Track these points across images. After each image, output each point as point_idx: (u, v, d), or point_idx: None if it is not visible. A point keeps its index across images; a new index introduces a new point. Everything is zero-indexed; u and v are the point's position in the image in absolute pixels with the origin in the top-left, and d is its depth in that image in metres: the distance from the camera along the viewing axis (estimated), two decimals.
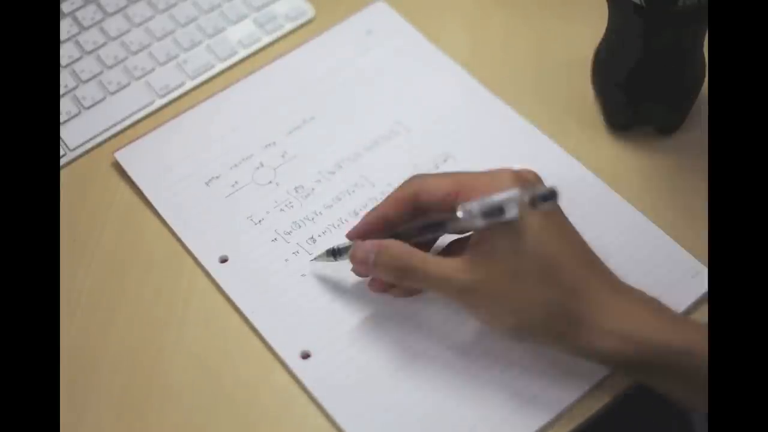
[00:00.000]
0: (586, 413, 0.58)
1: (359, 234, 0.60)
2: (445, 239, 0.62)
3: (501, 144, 0.69)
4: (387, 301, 0.62)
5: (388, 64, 0.74)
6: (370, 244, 0.58)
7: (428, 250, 0.61)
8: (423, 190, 0.59)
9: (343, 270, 0.63)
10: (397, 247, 0.58)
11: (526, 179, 0.56)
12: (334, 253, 0.61)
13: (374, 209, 0.61)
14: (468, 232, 0.59)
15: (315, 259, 0.63)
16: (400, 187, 0.60)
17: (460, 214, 0.55)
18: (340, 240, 0.63)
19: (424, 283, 0.57)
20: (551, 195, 0.53)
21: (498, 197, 0.54)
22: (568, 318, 0.54)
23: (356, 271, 0.62)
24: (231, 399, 0.60)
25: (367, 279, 0.62)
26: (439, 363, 0.60)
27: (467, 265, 0.55)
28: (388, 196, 0.60)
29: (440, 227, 0.58)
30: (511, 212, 0.53)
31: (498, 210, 0.53)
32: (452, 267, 0.56)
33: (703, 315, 0.61)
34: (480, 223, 0.54)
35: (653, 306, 0.56)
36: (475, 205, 0.54)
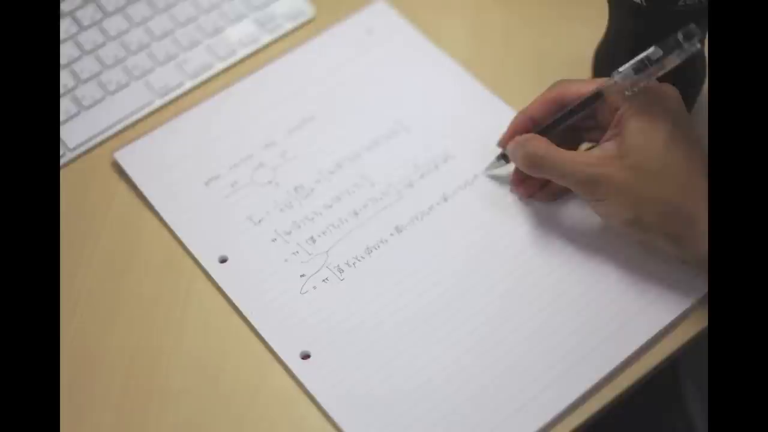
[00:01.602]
0: (588, 413, 0.58)
1: (509, 137, 0.64)
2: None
3: None
4: (386, 302, 0.62)
5: (388, 64, 0.74)
6: (514, 141, 0.63)
7: None
8: (569, 90, 0.62)
9: (344, 270, 0.63)
10: (535, 139, 0.62)
11: (664, 86, 0.60)
12: (504, 157, 0.66)
13: (521, 111, 0.64)
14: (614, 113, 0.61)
15: (488, 169, 0.67)
16: (546, 90, 0.64)
17: (613, 76, 0.59)
18: (339, 240, 0.63)
19: (556, 172, 0.61)
20: (694, 32, 0.56)
21: (646, 52, 0.58)
22: (681, 219, 0.57)
23: (514, 181, 0.66)
24: (230, 399, 0.60)
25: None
26: (438, 364, 0.60)
27: (595, 159, 0.59)
28: (534, 100, 0.64)
29: (588, 103, 0.61)
30: (661, 60, 0.57)
31: (648, 61, 0.58)
32: (581, 160, 0.60)
33: (703, 316, 0.61)
34: (630, 76, 0.58)
35: None
36: (624, 67, 0.58)
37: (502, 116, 0.70)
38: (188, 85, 0.74)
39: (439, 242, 0.64)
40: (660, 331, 0.60)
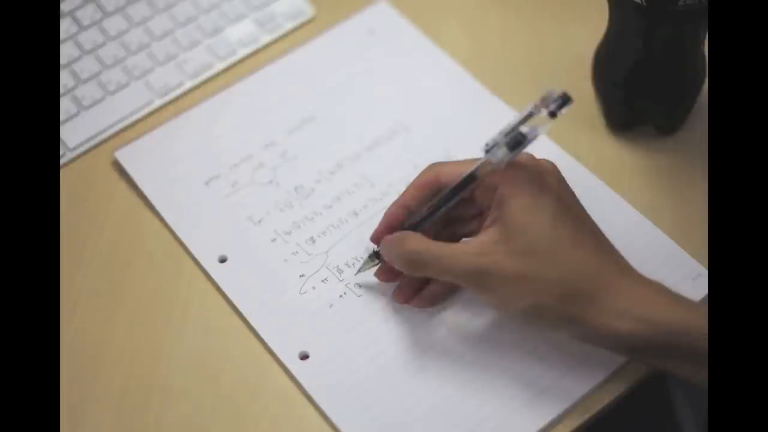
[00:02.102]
0: (593, 408, 0.58)
1: (383, 232, 0.60)
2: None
3: None
4: (385, 303, 0.62)
5: (388, 64, 0.74)
6: (387, 240, 0.59)
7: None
8: (442, 172, 0.59)
9: (343, 270, 0.63)
10: (410, 237, 0.58)
11: (540, 159, 0.57)
12: (377, 255, 0.61)
13: (394, 202, 0.60)
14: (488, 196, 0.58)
15: (360, 270, 0.62)
16: (419, 175, 0.60)
17: (485, 150, 0.55)
18: (339, 240, 0.63)
19: (437, 268, 0.56)
20: (566, 99, 0.53)
21: (515, 119, 0.54)
22: (581, 299, 0.54)
23: (382, 277, 0.61)
24: (229, 399, 0.60)
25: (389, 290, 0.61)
26: (437, 364, 0.60)
27: (479, 248, 0.55)
28: (407, 187, 0.60)
29: (463, 186, 0.57)
30: (534, 133, 0.53)
31: (519, 135, 0.54)
32: (464, 250, 0.56)
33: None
34: (505, 155, 0.54)
35: (665, 290, 0.55)
36: (496, 144, 0.54)
37: (502, 116, 0.70)
38: (188, 85, 0.74)
39: None
40: None
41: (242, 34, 0.76)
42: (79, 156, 0.70)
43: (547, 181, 0.56)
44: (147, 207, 0.68)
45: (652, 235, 0.64)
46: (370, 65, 0.74)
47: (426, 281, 0.61)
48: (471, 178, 0.57)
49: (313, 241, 0.65)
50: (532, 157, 0.57)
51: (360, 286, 0.63)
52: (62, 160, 0.70)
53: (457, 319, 0.61)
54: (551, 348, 0.59)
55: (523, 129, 0.54)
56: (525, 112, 0.54)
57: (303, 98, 0.72)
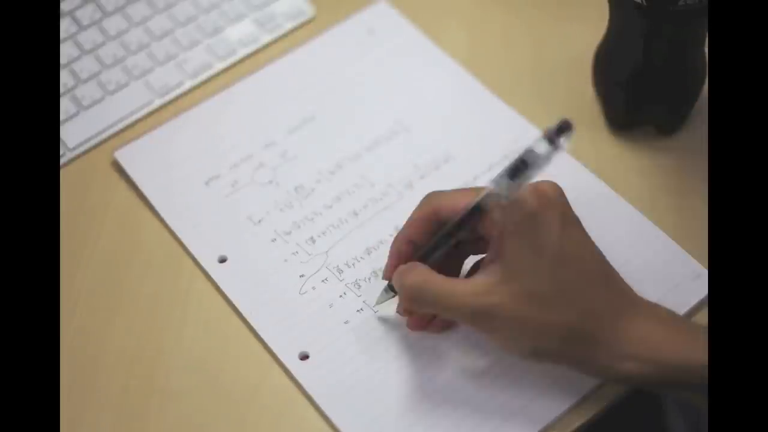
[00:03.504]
0: (586, 415, 0.58)
1: (392, 268, 0.58)
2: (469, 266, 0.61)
3: (501, 144, 0.69)
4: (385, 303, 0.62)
5: (388, 64, 0.74)
6: (396, 272, 0.57)
7: (457, 274, 0.60)
8: (442, 205, 0.57)
9: (343, 270, 0.63)
10: (413, 269, 0.56)
11: (543, 190, 0.54)
12: (392, 288, 0.59)
13: (397, 236, 0.59)
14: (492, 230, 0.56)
15: (378, 303, 0.61)
16: (417, 207, 0.58)
17: (488, 185, 0.53)
18: (339, 240, 0.63)
19: (439, 306, 0.55)
20: (566, 126, 0.51)
21: (518, 154, 0.52)
22: (586, 341, 0.53)
23: (403, 311, 0.60)
24: (229, 399, 0.60)
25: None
26: (437, 365, 0.60)
27: (481, 287, 0.54)
28: (408, 220, 0.58)
29: (469, 219, 0.55)
30: (535, 161, 0.51)
31: (522, 164, 0.51)
32: (465, 290, 0.54)
33: (703, 318, 0.61)
34: (508, 189, 0.52)
35: (671, 321, 0.54)
36: (499, 174, 0.52)
37: (502, 116, 0.70)
38: (188, 84, 0.74)
39: None
40: None
41: (242, 34, 0.76)
42: (78, 156, 0.70)
43: (548, 217, 0.53)
44: (147, 207, 0.67)
45: (653, 235, 0.64)
46: (370, 65, 0.74)
47: None
48: (477, 210, 0.55)
49: (313, 241, 0.65)
50: (534, 189, 0.54)
51: (359, 285, 0.63)
52: (62, 160, 0.70)
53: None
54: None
55: (525, 157, 0.52)
56: (527, 145, 0.52)
57: (303, 98, 0.72)
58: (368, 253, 0.64)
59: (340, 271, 0.64)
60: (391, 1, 0.77)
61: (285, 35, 0.76)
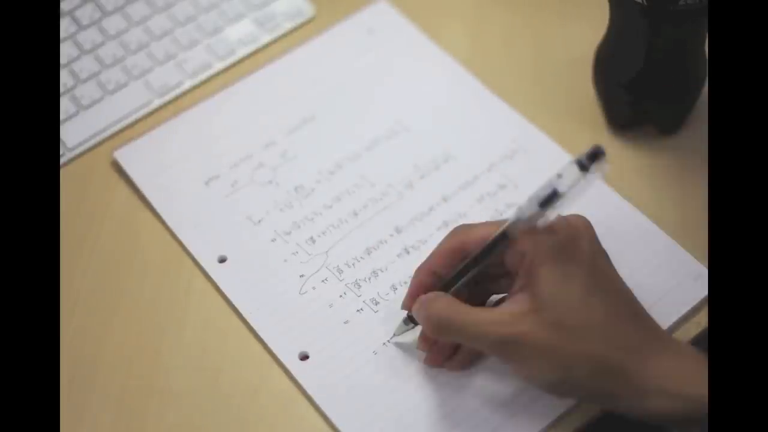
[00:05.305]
0: (575, 423, 0.58)
1: (412, 296, 0.58)
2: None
3: (501, 144, 0.69)
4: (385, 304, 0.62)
5: (388, 64, 0.74)
6: (417, 302, 0.56)
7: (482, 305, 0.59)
8: (470, 236, 0.56)
9: (343, 270, 0.63)
10: (439, 299, 0.56)
11: (573, 222, 0.54)
12: (412, 319, 0.59)
13: (420, 266, 0.58)
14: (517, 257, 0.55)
15: (396, 334, 0.60)
16: (445, 239, 0.58)
17: (515, 212, 0.53)
18: (339, 240, 0.62)
19: (465, 335, 0.55)
20: (597, 152, 0.50)
21: (547, 181, 0.51)
22: (615, 374, 0.52)
23: (422, 346, 0.59)
24: (229, 399, 0.60)
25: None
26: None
27: (508, 317, 0.53)
28: (434, 251, 0.58)
29: (494, 246, 0.55)
30: (564, 184, 0.51)
31: (552, 194, 0.51)
32: (492, 319, 0.53)
33: (703, 318, 0.61)
34: (535, 216, 0.52)
35: (698, 357, 0.53)
36: (527, 201, 0.52)
37: (502, 116, 0.70)
38: (188, 84, 0.74)
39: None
40: None
41: (242, 34, 0.76)
42: (78, 156, 0.70)
43: (578, 248, 0.53)
44: (146, 207, 0.67)
45: (653, 234, 0.64)
46: (370, 65, 0.74)
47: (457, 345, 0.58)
48: (502, 238, 0.54)
49: (313, 241, 0.65)
50: (563, 219, 0.54)
51: (359, 285, 0.63)
52: (61, 160, 0.70)
53: None
54: None
55: (557, 187, 0.51)
56: (555, 172, 0.51)
57: (303, 98, 0.72)
58: (368, 253, 0.64)
59: (340, 271, 0.64)
60: (391, 1, 0.77)
61: (284, 35, 0.76)
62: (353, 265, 0.64)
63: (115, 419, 0.59)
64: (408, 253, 0.64)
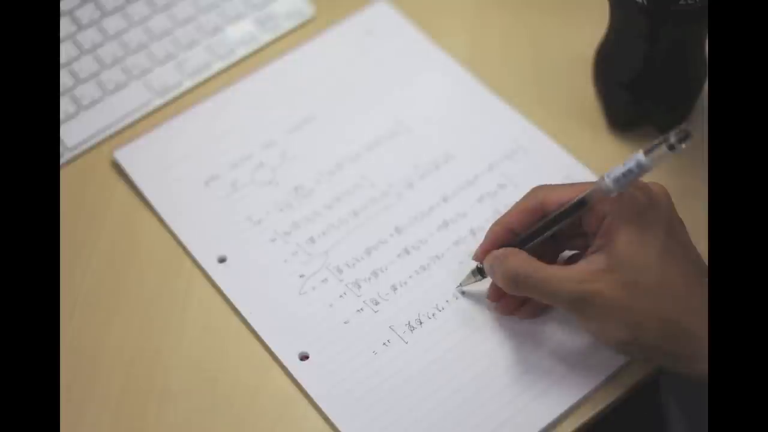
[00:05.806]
0: (587, 414, 0.58)
1: (486, 251, 0.59)
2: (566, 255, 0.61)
3: (502, 144, 0.69)
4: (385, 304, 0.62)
5: (388, 64, 0.74)
6: (491, 256, 0.58)
7: (553, 262, 0.60)
8: (549, 198, 0.57)
9: (343, 271, 0.63)
10: (515, 254, 0.57)
11: (653, 189, 0.55)
12: (480, 272, 0.60)
13: (497, 221, 0.59)
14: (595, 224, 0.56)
15: (461, 284, 0.62)
16: (524, 197, 0.59)
17: (598, 181, 0.54)
18: (339, 241, 0.62)
19: (540, 290, 0.56)
20: (686, 134, 0.52)
21: (635, 155, 0.53)
22: (684, 337, 0.53)
23: (491, 297, 0.60)
24: (229, 400, 0.60)
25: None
26: (437, 365, 0.60)
27: (584, 275, 0.54)
28: (511, 208, 0.59)
29: (572, 211, 0.56)
30: (648, 162, 0.52)
31: (637, 166, 0.53)
32: (568, 276, 0.55)
33: None
34: (617, 186, 0.53)
35: None
36: (612, 171, 0.53)
37: (502, 116, 0.70)
38: (187, 84, 0.74)
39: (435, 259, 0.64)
40: None
41: (242, 34, 0.76)
42: (78, 156, 0.70)
43: (657, 213, 0.55)
44: (146, 207, 0.67)
45: None
46: (370, 65, 0.74)
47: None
48: (581, 203, 0.56)
49: (313, 242, 0.65)
50: (644, 185, 0.55)
51: (359, 286, 0.63)
52: (61, 160, 0.70)
53: (456, 319, 0.61)
54: (546, 354, 0.59)
55: (641, 159, 0.53)
56: (648, 146, 0.53)
57: (303, 98, 0.72)
58: (368, 253, 0.64)
59: (340, 271, 0.64)
60: (391, 1, 0.77)
61: (284, 35, 0.76)
62: (353, 265, 0.64)
63: (115, 419, 0.59)
64: (408, 253, 0.64)
